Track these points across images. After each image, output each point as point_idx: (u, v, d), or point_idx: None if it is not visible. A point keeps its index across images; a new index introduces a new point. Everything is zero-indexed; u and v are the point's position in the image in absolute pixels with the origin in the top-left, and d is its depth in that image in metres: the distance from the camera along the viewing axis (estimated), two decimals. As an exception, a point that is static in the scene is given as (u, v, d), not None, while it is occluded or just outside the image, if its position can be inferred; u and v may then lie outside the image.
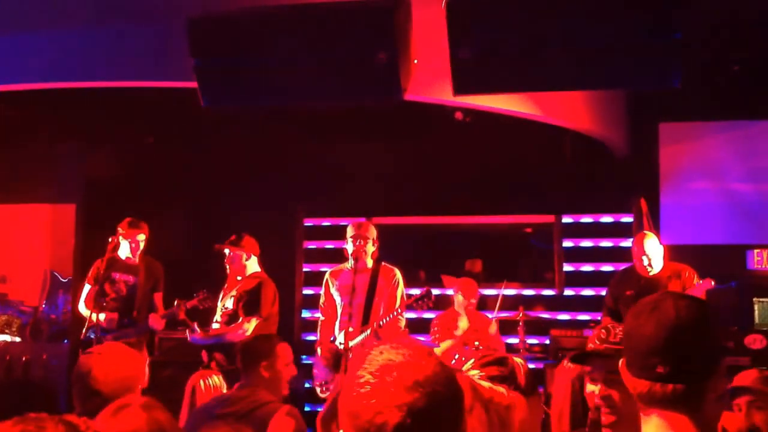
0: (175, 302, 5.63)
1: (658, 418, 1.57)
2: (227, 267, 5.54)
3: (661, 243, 5.63)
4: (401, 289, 5.38)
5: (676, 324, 1.57)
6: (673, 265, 5.62)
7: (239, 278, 5.52)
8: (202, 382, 3.93)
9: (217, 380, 3.99)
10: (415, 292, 5.81)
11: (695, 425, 1.55)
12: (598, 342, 2.36)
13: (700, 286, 5.43)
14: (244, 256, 5.49)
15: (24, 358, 7.09)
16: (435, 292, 5.27)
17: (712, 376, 1.57)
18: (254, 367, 3.75)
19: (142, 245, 5.88)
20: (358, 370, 1.28)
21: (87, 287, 5.98)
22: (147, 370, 4.15)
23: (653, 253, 5.50)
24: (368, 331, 5.10)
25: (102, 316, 5.63)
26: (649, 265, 5.50)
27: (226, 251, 5.52)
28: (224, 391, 4.22)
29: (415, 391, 1.22)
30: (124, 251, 5.86)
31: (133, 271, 5.90)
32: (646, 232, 5.76)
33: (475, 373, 2.03)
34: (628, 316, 1.68)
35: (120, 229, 5.84)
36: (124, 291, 5.86)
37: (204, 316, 5.64)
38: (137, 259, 5.92)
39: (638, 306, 1.66)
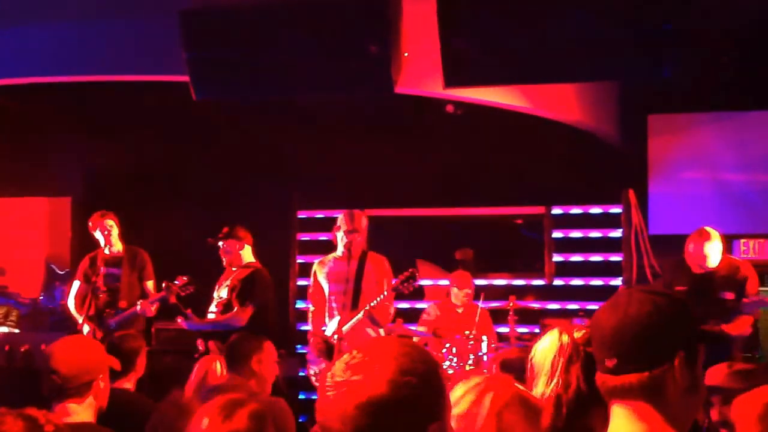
0: (163, 284, 5.72)
1: (620, 407, 1.61)
2: (223, 259, 5.62)
3: (721, 240, 5.32)
4: (390, 276, 5.44)
5: (623, 318, 1.60)
6: (730, 261, 5.39)
7: (234, 269, 5.60)
8: (218, 365, 4.03)
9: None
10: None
11: (661, 413, 1.57)
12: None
13: (754, 303, 5.20)
14: (238, 246, 5.57)
15: (23, 348, 7.16)
16: (427, 282, 5.35)
17: (665, 369, 1.58)
18: (246, 361, 3.88)
19: (114, 230, 6.00)
20: (327, 371, 1.34)
21: (76, 284, 6.14)
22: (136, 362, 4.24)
23: (712, 255, 5.26)
24: (360, 315, 5.14)
25: (86, 328, 5.77)
26: (705, 265, 5.28)
27: (220, 244, 5.60)
28: None
29: (365, 386, 1.27)
30: (105, 243, 5.98)
31: (116, 262, 6.02)
32: (707, 230, 5.33)
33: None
34: (595, 312, 1.72)
35: (90, 223, 6.02)
36: (111, 283, 5.97)
37: (195, 303, 5.71)
38: (120, 248, 6.04)
39: (605, 303, 1.70)
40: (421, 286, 5.40)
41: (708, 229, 5.35)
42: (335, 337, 5.04)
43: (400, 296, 5.37)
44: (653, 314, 1.60)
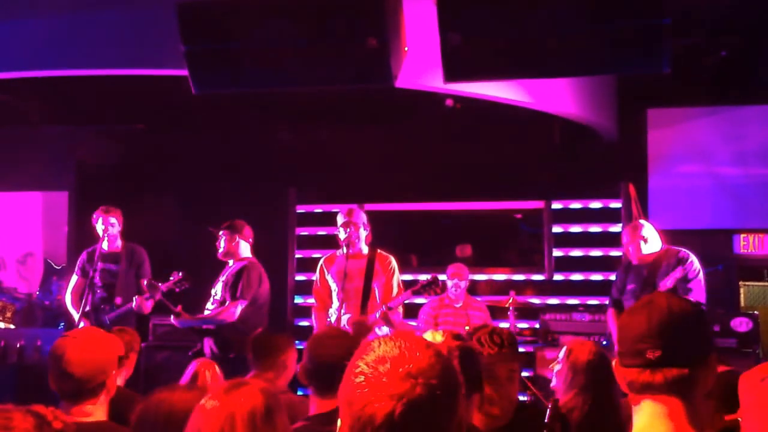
0: (145, 282, 5.72)
1: (652, 403, 1.61)
2: (219, 250, 5.58)
3: (653, 228, 5.46)
4: (397, 277, 5.40)
5: (667, 314, 1.62)
6: (673, 251, 5.40)
7: (231, 263, 5.58)
8: (207, 373, 3.94)
9: (217, 370, 4.00)
10: (408, 277, 5.85)
11: (687, 412, 1.59)
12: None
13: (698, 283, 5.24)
14: (236, 241, 5.54)
15: (19, 344, 7.13)
16: (422, 277, 5.32)
17: (701, 368, 1.61)
18: (273, 359, 3.78)
19: (117, 227, 6.03)
20: (356, 360, 1.29)
21: (74, 278, 6.16)
22: (129, 356, 4.20)
23: (646, 239, 5.38)
24: (377, 314, 5.12)
25: (81, 325, 5.75)
26: (636, 254, 5.39)
27: (220, 233, 5.57)
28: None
29: (407, 382, 1.22)
30: (105, 238, 6.00)
31: (114, 258, 6.04)
32: (638, 222, 5.59)
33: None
34: (624, 314, 1.72)
35: (93, 217, 6.04)
36: (108, 279, 5.98)
37: (189, 299, 5.68)
38: (119, 244, 6.07)
39: (634, 304, 1.72)
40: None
41: (638, 221, 5.60)
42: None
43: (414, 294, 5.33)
44: (698, 314, 1.66)
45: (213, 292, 5.58)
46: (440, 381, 1.24)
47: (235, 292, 5.35)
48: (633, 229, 5.47)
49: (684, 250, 5.41)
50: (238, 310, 5.30)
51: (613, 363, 1.70)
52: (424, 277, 5.33)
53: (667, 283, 5.15)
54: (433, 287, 5.22)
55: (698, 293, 5.23)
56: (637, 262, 5.44)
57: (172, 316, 5.48)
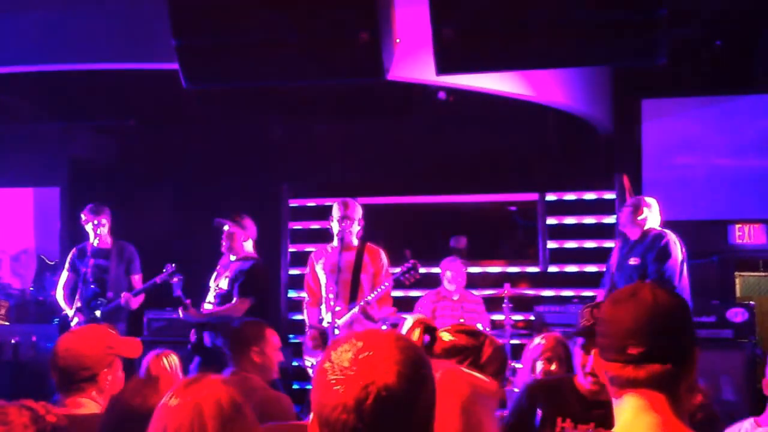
0: (175, 279, 5.71)
1: (635, 397, 1.59)
2: (222, 243, 5.57)
3: (657, 208, 5.45)
4: (386, 268, 5.40)
5: (652, 308, 1.59)
6: (655, 231, 5.39)
7: (233, 258, 5.56)
8: (165, 361, 3.85)
9: (175, 359, 3.90)
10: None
11: (671, 405, 1.57)
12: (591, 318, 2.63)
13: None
14: (242, 237, 5.54)
15: (13, 340, 7.12)
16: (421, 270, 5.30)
17: (685, 362, 1.60)
18: (245, 352, 3.70)
19: (106, 225, 6.08)
20: (324, 361, 1.31)
21: (65, 274, 6.24)
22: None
23: (642, 212, 5.40)
24: (356, 309, 5.09)
25: (75, 321, 5.85)
26: (630, 218, 5.39)
27: (226, 227, 5.55)
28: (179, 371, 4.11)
29: (367, 371, 1.25)
30: (95, 236, 6.05)
31: (104, 255, 6.10)
32: (647, 198, 5.55)
33: (445, 335, 2.14)
34: (607, 304, 1.69)
35: (83, 216, 6.10)
36: (99, 275, 6.04)
37: (185, 293, 5.68)
38: (109, 241, 6.12)
39: (617, 294, 1.70)
40: (422, 276, 5.34)
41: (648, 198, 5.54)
42: (336, 330, 5.00)
43: (397, 285, 5.30)
44: (684, 308, 1.63)
45: (213, 285, 5.57)
46: (402, 371, 1.26)
47: (246, 288, 5.36)
48: (638, 200, 5.52)
49: (666, 231, 5.36)
50: (246, 307, 5.33)
51: (592, 353, 1.69)
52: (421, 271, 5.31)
53: (630, 257, 5.19)
54: (412, 273, 5.18)
55: (671, 274, 5.18)
56: (621, 228, 5.49)
57: (180, 310, 5.46)
